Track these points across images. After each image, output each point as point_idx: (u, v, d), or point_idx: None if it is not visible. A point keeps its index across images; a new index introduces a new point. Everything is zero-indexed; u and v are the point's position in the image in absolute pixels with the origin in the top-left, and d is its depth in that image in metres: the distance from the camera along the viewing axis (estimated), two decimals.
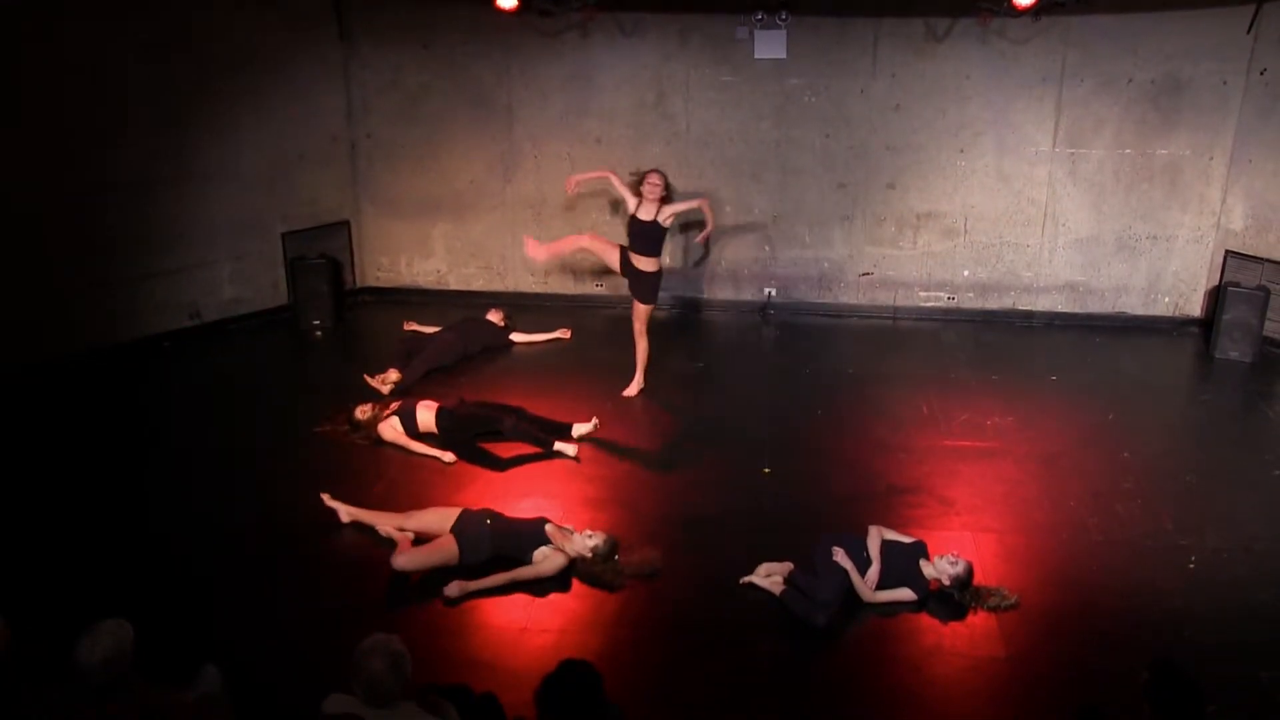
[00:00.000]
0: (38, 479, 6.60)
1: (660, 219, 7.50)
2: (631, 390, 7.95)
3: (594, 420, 7.14)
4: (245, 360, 8.93)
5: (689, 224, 9.88)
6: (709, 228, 7.84)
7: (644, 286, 7.68)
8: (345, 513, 6.08)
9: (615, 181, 7.73)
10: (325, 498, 6.15)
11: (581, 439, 7.07)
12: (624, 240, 7.70)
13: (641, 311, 7.75)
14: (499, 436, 7.05)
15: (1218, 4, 8.58)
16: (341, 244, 10.16)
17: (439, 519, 5.80)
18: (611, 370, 8.06)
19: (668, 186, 7.56)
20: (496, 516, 5.80)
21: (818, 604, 5.21)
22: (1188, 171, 9.18)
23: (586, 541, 5.62)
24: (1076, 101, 9.11)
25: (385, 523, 5.93)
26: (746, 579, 5.54)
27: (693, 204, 7.79)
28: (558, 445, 6.96)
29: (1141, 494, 6.55)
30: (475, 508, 5.91)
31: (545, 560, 5.58)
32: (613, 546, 5.68)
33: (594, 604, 5.42)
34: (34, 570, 5.52)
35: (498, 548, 5.64)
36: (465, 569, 5.54)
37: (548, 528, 5.71)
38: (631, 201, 7.57)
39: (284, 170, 9.55)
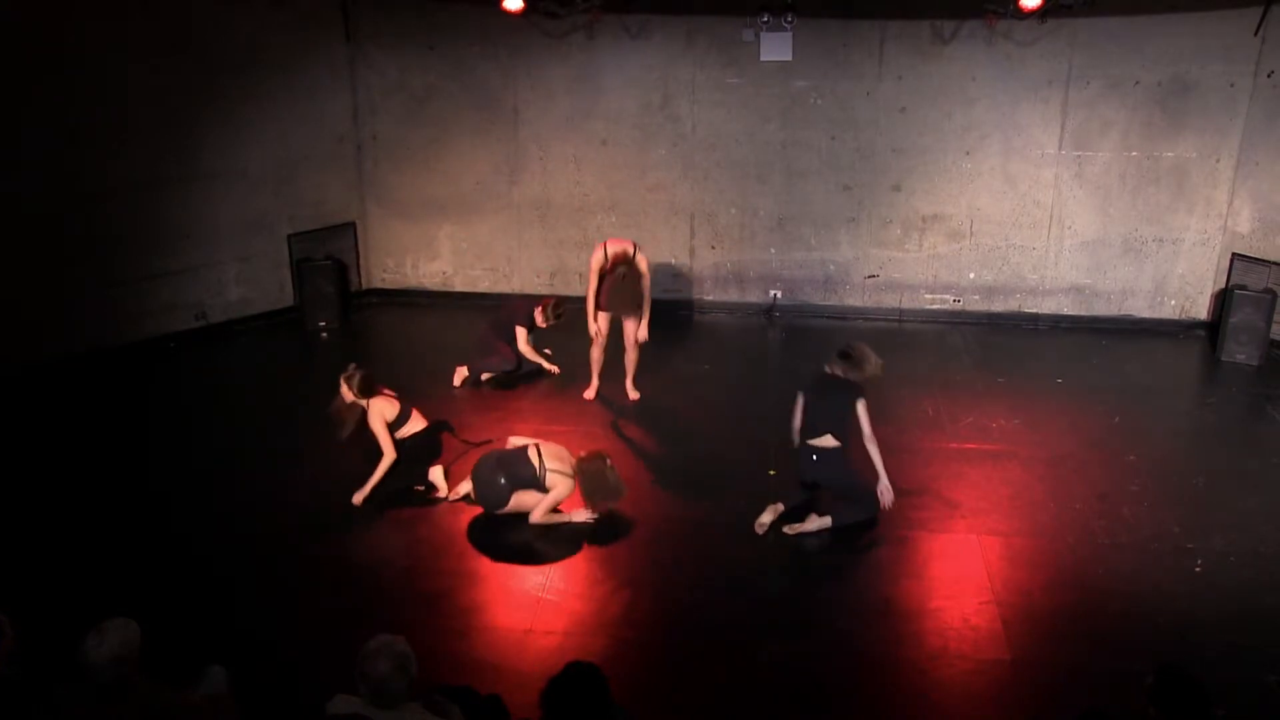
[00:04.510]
0: (43, 479, 6.63)
1: (637, 265, 7.54)
2: (633, 394, 7.99)
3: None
4: (251, 361, 8.95)
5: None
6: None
7: (632, 299, 7.63)
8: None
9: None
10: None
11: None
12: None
13: (634, 325, 7.72)
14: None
15: (1225, 6, 8.57)
16: (347, 245, 10.17)
17: None
18: (620, 373, 8.04)
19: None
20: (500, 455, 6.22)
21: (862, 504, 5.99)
22: (1194, 174, 9.16)
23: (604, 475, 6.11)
24: (1083, 104, 9.10)
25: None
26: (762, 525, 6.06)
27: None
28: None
29: (1148, 497, 6.54)
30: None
31: (558, 484, 6.02)
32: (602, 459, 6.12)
33: (599, 606, 5.43)
34: (40, 569, 5.54)
35: (512, 478, 6.02)
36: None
37: (545, 460, 6.08)
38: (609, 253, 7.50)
39: (290, 171, 9.57)
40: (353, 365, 6.47)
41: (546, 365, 8.36)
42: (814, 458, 5.97)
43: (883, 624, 5.28)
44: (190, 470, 6.86)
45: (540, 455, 6.08)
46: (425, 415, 6.61)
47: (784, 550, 6.00)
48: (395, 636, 3.52)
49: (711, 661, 4.98)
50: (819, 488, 6.15)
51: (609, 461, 6.09)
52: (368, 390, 6.37)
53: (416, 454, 6.48)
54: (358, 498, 6.35)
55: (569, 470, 6.07)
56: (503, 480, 6.05)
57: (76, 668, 3.47)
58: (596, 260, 7.48)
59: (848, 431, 5.90)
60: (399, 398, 6.50)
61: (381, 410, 6.36)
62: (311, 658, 4.80)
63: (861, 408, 5.85)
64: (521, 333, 8.24)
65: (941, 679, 4.90)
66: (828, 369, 6.05)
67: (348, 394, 6.36)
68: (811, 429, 5.97)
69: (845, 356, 6.00)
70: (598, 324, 7.66)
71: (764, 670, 4.92)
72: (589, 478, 6.06)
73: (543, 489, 6.04)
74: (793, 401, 6.13)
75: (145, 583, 5.42)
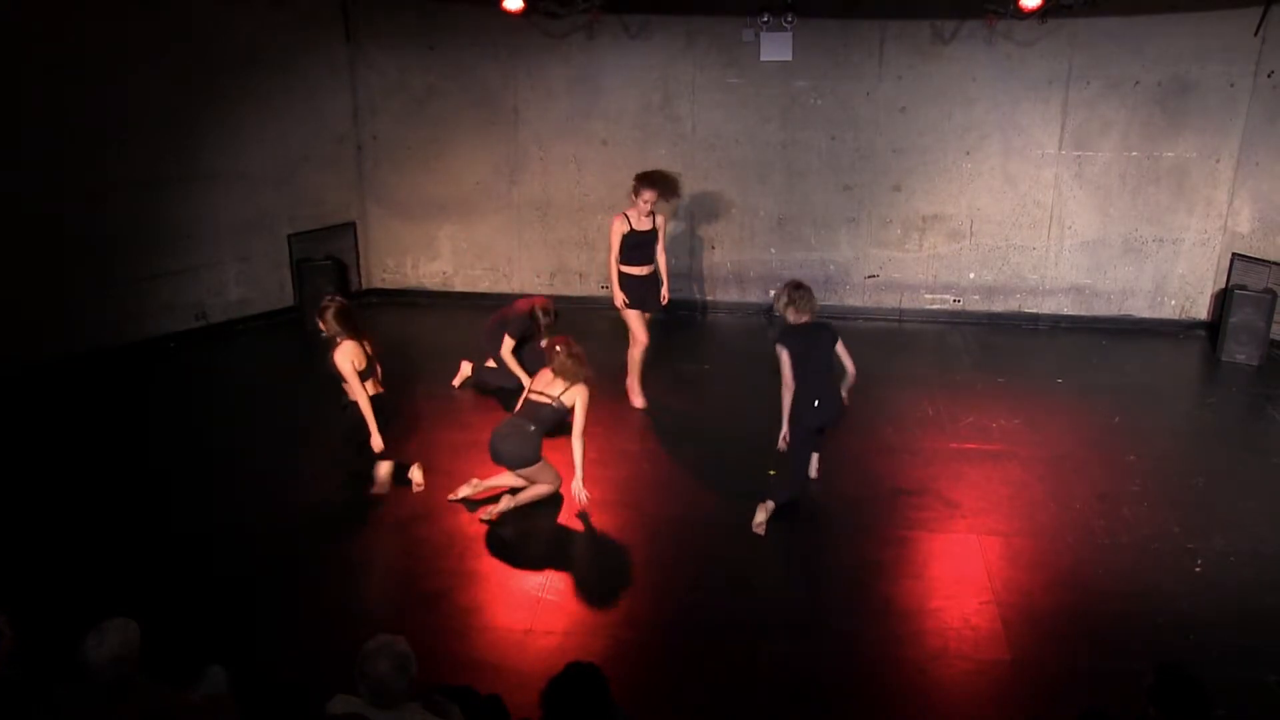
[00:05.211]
0: (43, 479, 6.62)
1: (656, 226, 7.60)
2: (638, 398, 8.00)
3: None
4: (251, 361, 8.96)
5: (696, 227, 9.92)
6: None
7: (656, 293, 7.76)
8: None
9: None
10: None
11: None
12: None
13: (647, 319, 7.83)
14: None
15: (1225, 6, 8.57)
16: (347, 245, 10.17)
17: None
18: (620, 373, 8.04)
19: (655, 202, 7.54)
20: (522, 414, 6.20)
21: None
22: (1194, 174, 9.16)
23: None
24: (1083, 104, 9.10)
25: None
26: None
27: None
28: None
29: (1148, 497, 6.54)
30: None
31: (578, 400, 6.09)
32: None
33: (599, 606, 5.43)
34: (40, 569, 5.54)
35: (539, 422, 6.12)
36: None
37: (550, 389, 6.16)
38: (631, 221, 7.52)
39: (290, 171, 9.56)
40: (328, 295, 6.32)
41: (525, 380, 7.80)
42: (816, 404, 6.01)
43: (883, 624, 5.28)
44: (190, 470, 6.86)
45: (543, 393, 6.19)
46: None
47: (784, 550, 6.00)
48: (395, 636, 3.52)
49: (711, 661, 4.98)
50: (821, 433, 6.30)
51: (559, 348, 6.21)
52: (344, 325, 6.11)
53: (358, 421, 6.21)
54: (376, 444, 6.23)
55: (566, 380, 6.15)
56: (532, 427, 6.11)
57: (76, 668, 3.46)
58: (619, 225, 7.50)
59: (834, 370, 6.12)
60: (371, 356, 6.25)
61: (350, 354, 6.10)
62: (311, 658, 4.80)
63: (841, 346, 6.07)
64: (509, 342, 7.91)
65: (941, 679, 4.90)
66: (795, 318, 6.06)
67: (322, 325, 6.15)
68: (816, 377, 6.00)
69: (801, 291, 6.06)
70: (634, 324, 7.71)
71: (764, 670, 4.92)
72: (570, 369, 6.17)
73: (567, 412, 6.15)
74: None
75: (145, 583, 5.42)
